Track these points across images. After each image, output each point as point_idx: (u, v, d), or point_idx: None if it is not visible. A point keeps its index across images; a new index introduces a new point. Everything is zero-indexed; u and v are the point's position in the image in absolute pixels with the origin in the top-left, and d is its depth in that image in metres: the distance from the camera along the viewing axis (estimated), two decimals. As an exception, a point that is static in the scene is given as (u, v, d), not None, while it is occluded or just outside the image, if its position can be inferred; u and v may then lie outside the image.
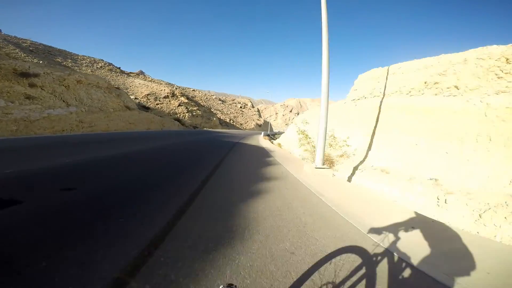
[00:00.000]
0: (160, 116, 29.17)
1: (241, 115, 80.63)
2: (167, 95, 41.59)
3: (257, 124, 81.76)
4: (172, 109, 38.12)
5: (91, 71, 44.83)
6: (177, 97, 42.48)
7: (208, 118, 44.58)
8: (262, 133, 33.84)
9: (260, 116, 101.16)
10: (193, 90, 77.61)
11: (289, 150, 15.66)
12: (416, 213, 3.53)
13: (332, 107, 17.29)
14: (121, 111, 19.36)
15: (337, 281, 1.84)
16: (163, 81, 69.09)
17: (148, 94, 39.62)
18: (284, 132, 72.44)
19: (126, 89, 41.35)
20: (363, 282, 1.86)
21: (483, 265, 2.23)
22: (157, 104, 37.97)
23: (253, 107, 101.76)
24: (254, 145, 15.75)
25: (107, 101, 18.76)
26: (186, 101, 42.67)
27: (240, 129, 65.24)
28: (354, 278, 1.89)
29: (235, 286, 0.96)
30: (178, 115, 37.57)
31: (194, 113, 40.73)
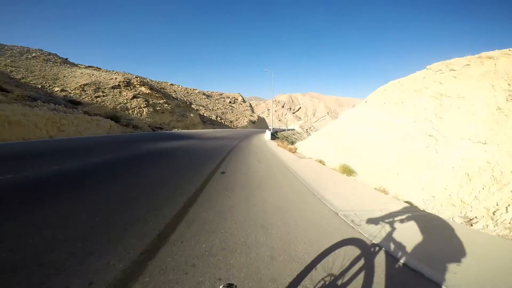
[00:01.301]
0: (79, 114, 16.27)
1: (230, 111, 67.80)
2: (118, 85, 28.45)
3: (250, 120, 69.17)
4: (121, 103, 25.06)
5: (11, 61, 31.52)
6: (134, 86, 29.37)
7: (183, 114, 31.63)
8: (268, 132, 21.04)
9: (253, 111, 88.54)
10: (171, 85, 64.09)
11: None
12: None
13: None
14: None
15: None
16: (130, 73, 55.44)
17: (85, 85, 26.40)
18: (292, 129, 59.09)
19: (55, 80, 28.05)
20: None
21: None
22: (97, 96, 24.82)
23: (244, 101, 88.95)
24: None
25: None
26: (148, 92, 29.62)
27: (230, 127, 52.47)
28: None
29: (235, 286, 0.92)
30: (130, 110, 24.58)
31: (158, 108, 27.75)
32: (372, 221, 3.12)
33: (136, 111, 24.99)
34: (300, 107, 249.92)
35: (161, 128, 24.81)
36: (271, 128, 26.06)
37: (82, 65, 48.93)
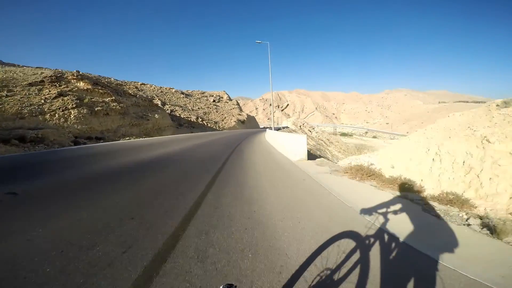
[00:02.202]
0: None
1: (215, 111, 59.54)
2: (42, 81, 19.79)
3: (238, 120, 61.20)
4: (34, 104, 16.47)
5: None
6: (66, 82, 20.75)
7: (142, 116, 23.22)
8: (283, 136, 13.04)
9: (241, 110, 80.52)
10: (142, 84, 54.95)
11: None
12: None
13: None
14: None
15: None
16: (91, 73, 46.07)
17: (-18, 81, 17.60)
18: (287, 127, 50.14)
19: None
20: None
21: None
22: (-7, 97, 16.11)
23: (230, 99, 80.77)
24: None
25: None
26: (88, 87, 21.07)
27: (215, 129, 44.28)
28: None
29: (235, 286, 0.91)
30: (48, 114, 16.08)
31: (98, 108, 19.30)
32: None
33: (58, 115, 16.48)
34: (288, 104, 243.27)
35: (100, 139, 16.46)
36: (271, 126, 18.00)
37: (28, 66, 38.80)
